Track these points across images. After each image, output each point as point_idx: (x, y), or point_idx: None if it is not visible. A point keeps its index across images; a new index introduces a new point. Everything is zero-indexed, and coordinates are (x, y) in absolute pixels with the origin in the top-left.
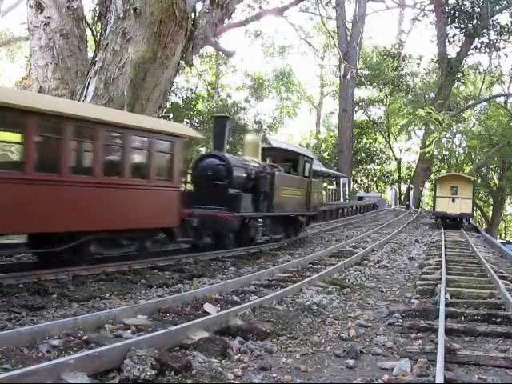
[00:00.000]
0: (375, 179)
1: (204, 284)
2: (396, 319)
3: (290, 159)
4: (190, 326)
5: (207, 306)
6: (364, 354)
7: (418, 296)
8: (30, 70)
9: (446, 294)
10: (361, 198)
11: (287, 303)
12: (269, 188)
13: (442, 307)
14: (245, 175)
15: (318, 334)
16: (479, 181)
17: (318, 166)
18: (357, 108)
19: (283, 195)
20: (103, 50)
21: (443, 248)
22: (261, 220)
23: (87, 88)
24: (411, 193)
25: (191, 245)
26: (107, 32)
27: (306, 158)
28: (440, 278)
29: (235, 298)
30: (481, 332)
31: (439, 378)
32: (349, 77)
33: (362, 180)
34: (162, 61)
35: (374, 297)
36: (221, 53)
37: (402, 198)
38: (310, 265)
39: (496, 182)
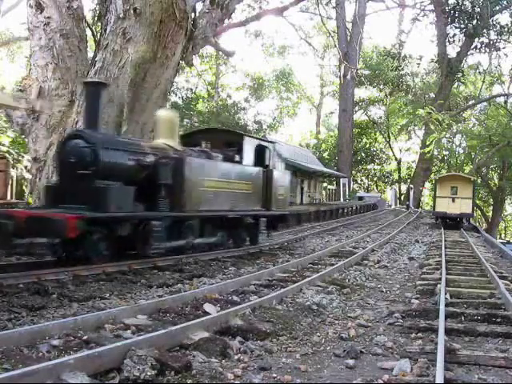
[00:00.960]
0: (375, 179)
1: (204, 284)
2: (396, 319)
3: (233, 143)
4: (190, 326)
5: (207, 306)
6: (364, 353)
7: (418, 296)
8: (30, 69)
9: (446, 294)
10: (361, 198)
11: (287, 303)
12: (175, 179)
13: (441, 307)
14: (128, 162)
15: (317, 333)
16: (479, 181)
17: (318, 166)
18: (357, 108)
19: (208, 189)
20: (103, 50)
21: (443, 248)
22: (158, 223)
23: None
24: (411, 193)
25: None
26: (107, 32)
27: (259, 143)
28: (440, 278)
29: (235, 297)
30: (481, 332)
31: (439, 378)
32: (349, 77)
33: (361, 180)
34: (162, 61)
35: (374, 297)
36: (221, 53)
37: (402, 197)
38: (310, 265)
39: (496, 182)
